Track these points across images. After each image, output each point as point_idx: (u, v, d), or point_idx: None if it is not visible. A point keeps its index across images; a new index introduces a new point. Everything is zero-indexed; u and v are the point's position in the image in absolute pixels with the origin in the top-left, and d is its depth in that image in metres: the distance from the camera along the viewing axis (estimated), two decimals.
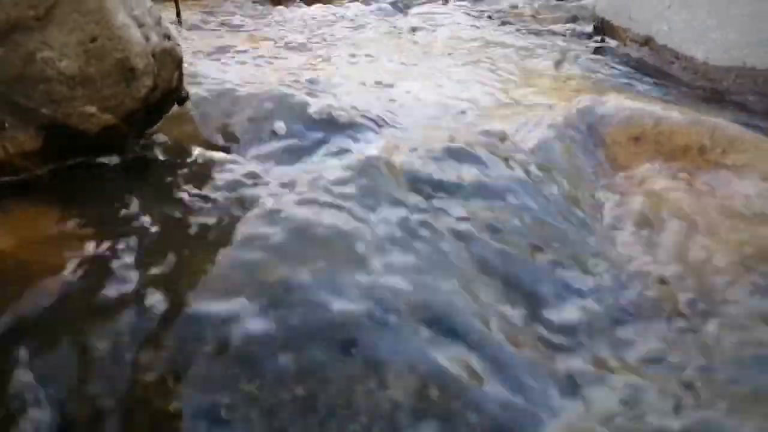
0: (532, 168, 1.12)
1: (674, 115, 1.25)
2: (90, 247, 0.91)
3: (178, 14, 2.26)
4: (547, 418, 0.73)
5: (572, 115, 1.30)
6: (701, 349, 0.83)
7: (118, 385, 0.72)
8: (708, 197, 1.06)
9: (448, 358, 0.75)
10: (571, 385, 0.78)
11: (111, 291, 0.83)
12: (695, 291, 0.89)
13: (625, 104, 1.30)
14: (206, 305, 0.81)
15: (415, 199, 1.02)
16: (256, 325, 0.77)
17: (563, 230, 0.96)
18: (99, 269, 0.86)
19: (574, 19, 2.35)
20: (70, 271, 0.86)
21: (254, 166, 1.11)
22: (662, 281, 0.93)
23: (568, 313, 0.86)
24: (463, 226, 0.93)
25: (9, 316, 0.78)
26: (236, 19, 2.37)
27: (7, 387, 0.71)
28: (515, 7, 2.56)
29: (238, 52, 1.84)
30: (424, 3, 2.74)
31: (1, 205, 1.02)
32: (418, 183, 1.06)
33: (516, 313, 0.85)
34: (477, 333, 0.80)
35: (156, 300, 0.81)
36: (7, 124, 1.05)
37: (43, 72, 1.05)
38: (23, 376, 0.71)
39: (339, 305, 0.79)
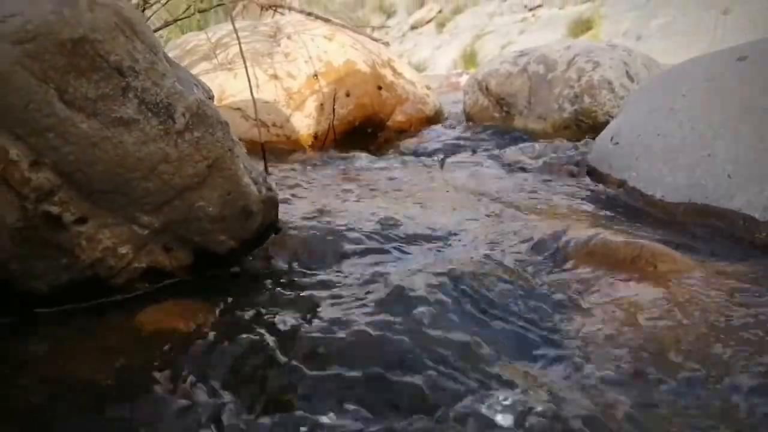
0: (518, 270, 1.66)
1: (618, 238, 1.76)
2: (217, 324, 1.47)
3: (266, 168, 2.97)
4: None
5: (549, 237, 1.84)
6: None
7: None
8: (628, 288, 1.55)
9: None
10: None
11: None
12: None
13: (584, 231, 1.82)
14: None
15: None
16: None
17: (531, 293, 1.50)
18: (221, 338, 1.40)
19: (575, 165, 2.92)
20: (205, 339, 1.41)
21: (323, 272, 1.69)
22: None
23: None
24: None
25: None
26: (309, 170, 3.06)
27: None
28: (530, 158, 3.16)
29: (313, 193, 2.48)
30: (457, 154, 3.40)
31: (167, 296, 1.61)
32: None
33: None
34: None
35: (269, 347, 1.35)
36: (174, 248, 1.66)
37: (198, 215, 1.61)
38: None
39: None
